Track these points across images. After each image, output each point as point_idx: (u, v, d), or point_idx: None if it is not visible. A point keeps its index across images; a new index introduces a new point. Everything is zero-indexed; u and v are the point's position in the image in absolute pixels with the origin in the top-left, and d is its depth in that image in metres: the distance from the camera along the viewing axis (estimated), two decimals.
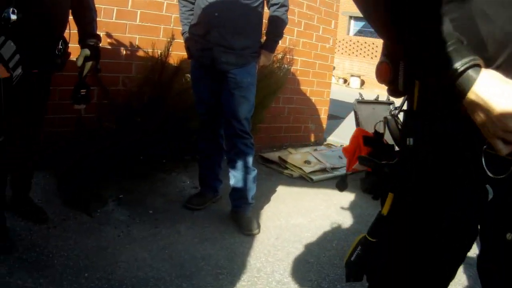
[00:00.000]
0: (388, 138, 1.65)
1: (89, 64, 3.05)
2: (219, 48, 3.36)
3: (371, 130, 4.93)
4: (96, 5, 3.89)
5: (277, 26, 3.55)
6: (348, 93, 13.92)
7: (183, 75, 4.37)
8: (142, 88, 4.18)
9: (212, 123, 3.69)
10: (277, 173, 5.07)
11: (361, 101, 5.16)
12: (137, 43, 4.42)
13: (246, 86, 3.44)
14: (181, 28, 3.72)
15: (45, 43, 2.78)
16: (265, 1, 3.54)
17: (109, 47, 4.23)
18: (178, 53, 4.38)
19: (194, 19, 3.52)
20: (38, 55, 2.72)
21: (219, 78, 3.48)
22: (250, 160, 3.59)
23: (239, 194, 3.63)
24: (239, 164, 3.57)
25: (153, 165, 4.26)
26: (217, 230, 3.51)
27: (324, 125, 6.81)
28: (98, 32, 3.20)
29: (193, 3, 3.55)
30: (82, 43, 3.05)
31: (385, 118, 1.60)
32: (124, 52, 4.35)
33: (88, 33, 3.07)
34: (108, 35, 4.21)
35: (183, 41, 3.71)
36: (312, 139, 6.60)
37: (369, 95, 5.74)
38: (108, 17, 4.19)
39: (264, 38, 3.62)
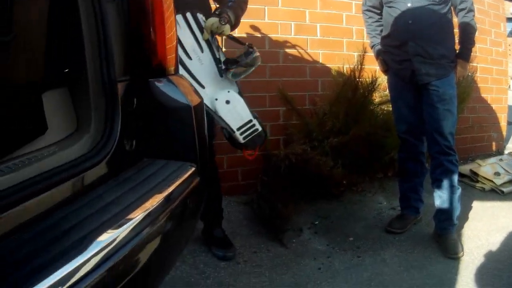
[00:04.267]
0: None
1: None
2: (418, 59, 3.03)
3: None
4: (271, 20, 3.75)
5: (469, 32, 3.13)
6: None
7: (378, 91, 3.97)
8: (334, 106, 3.77)
9: (414, 141, 3.29)
10: (469, 187, 4.53)
11: None
12: (320, 59, 4.07)
13: (449, 98, 3.07)
14: (368, 41, 3.44)
15: None
16: (452, 7, 3.16)
17: (291, 64, 3.92)
18: (369, 67, 3.94)
19: (385, 29, 3.24)
20: None
21: (418, 92, 3.15)
22: (456, 178, 3.17)
23: (445, 216, 3.18)
24: (445, 183, 3.14)
25: (346, 186, 3.84)
26: (421, 255, 3.06)
27: (504, 133, 6.14)
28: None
29: (379, 14, 3.27)
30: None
31: None
32: (309, 69, 4.01)
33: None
34: (288, 52, 3.91)
35: (373, 54, 3.39)
36: (494, 148, 5.99)
37: None
38: (286, 32, 3.90)
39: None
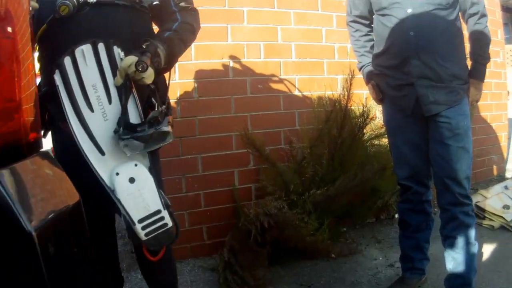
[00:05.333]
0: None
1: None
2: (423, 82, 2.39)
3: None
4: (235, 42, 3.37)
5: (483, 44, 2.48)
6: None
7: (370, 124, 3.37)
8: (316, 147, 3.15)
9: (418, 188, 2.65)
10: (476, 225, 3.89)
11: None
12: (297, 85, 3.48)
13: (464, 132, 2.43)
14: (356, 61, 2.79)
15: None
16: (460, 12, 2.53)
17: (261, 94, 3.35)
18: (357, 92, 3.37)
19: (377, 45, 2.61)
20: None
21: (423, 124, 2.50)
22: (473, 233, 2.53)
23: (460, 281, 2.53)
24: (460, 241, 2.51)
25: (333, 238, 3.24)
26: None
27: (505, 154, 5.60)
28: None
29: (368, 26, 2.68)
30: None
31: None
32: (283, 99, 3.43)
33: None
34: (258, 80, 3.36)
35: (362, 77, 2.78)
36: (495, 172, 5.45)
37: None
38: (254, 55, 3.33)
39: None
